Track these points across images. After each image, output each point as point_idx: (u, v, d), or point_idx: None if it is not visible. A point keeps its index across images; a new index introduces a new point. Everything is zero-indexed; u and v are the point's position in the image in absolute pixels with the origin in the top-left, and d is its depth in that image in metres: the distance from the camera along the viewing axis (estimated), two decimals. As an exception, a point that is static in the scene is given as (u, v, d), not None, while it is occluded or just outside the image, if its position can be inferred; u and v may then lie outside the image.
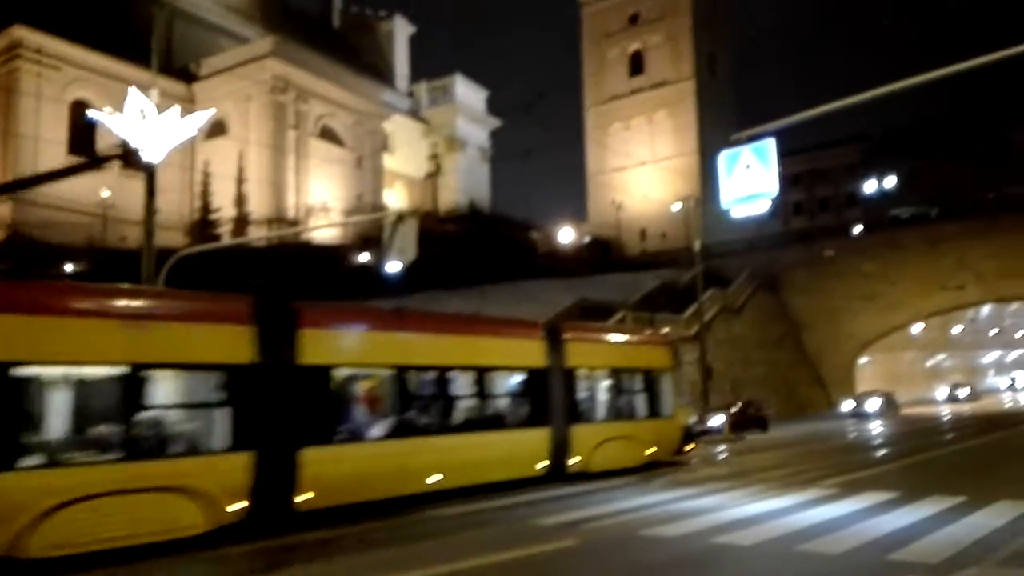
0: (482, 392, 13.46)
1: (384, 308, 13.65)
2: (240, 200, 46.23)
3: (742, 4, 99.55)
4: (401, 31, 69.23)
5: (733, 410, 29.74)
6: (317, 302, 13.10)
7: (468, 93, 68.19)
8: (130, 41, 43.17)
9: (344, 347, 11.46)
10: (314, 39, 56.95)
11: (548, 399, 14.42)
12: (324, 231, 45.86)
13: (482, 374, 13.41)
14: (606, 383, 16.06)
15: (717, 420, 28.55)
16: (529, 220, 54.56)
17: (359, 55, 64.99)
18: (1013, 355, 73.30)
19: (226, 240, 38.29)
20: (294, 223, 46.45)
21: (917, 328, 47.95)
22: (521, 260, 44.03)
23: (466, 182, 63.95)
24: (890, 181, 61.94)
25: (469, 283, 35.26)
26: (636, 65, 71.12)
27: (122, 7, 46.51)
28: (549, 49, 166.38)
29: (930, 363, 58.90)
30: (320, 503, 10.37)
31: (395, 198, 59.24)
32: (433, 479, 11.94)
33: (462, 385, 13.14)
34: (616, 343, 17.60)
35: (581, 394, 15.34)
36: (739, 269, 43.67)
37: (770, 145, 9.33)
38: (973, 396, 51.59)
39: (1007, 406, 43.79)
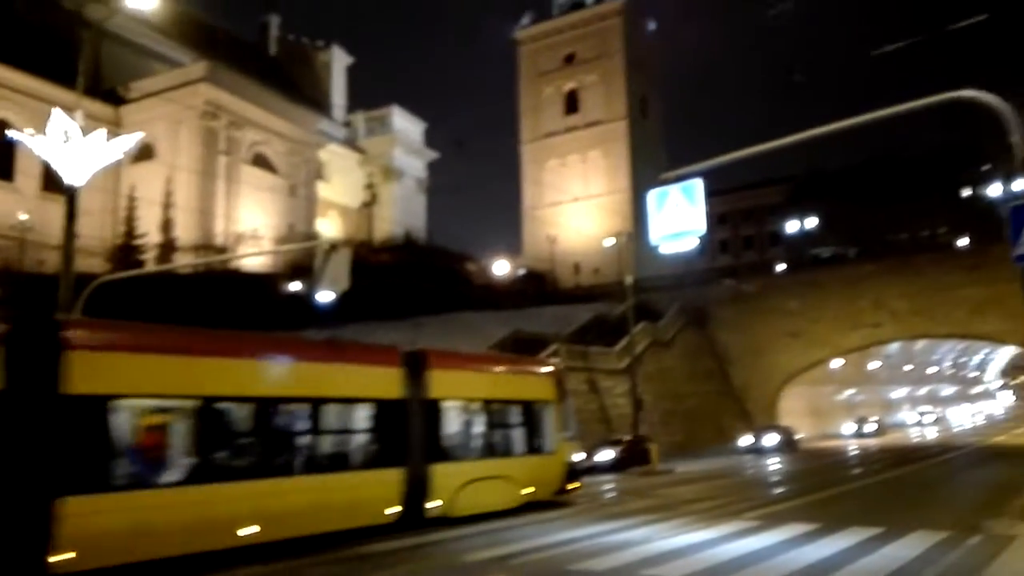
0: (318, 427, 11.83)
1: (198, 329, 11.98)
2: (166, 226, 44.90)
3: (674, 51, 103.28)
4: (339, 61, 69.15)
5: (622, 445, 28.24)
6: (105, 321, 10.74)
7: (406, 124, 68.36)
8: (56, 62, 41.76)
9: (127, 374, 9.62)
10: (249, 66, 56.28)
11: (404, 435, 12.98)
12: (254, 259, 44.91)
13: (318, 406, 11.83)
14: (477, 417, 14.74)
15: (605, 455, 27.41)
16: (465, 252, 54.64)
17: (295, 83, 64.52)
18: (923, 390, 76.59)
19: (150, 267, 37.06)
20: (222, 250, 45.33)
21: (837, 363, 49.64)
22: (457, 292, 44.01)
23: (402, 213, 63.75)
24: (811, 222, 64.66)
25: (403, 314, 34.98)
26: (571, 104, 72.69)
27: (49, 27, 45.07)
28: (489, 83, 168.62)
29: (847, 397, 60.93)
30: (83, 565, 8.60)
31: (329, 227, 58.56)
32: (247, 531, 10.28)
33: (292, 419, 11.55)
34: (490, 372, 16.24)
35: (445, 429, 13.89)
36: (669, 304, 44.75)
37: (697, 185, 9.66)
38: (880, 431, 50.71)
39: (914, 441, 45.18)
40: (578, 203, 68.94)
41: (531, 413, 15.71)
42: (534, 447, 15.65)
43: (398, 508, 12.62)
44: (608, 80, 70.73)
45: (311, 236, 48.54)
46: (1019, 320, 33.37)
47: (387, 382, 13.10)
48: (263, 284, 39.50)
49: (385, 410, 12.85)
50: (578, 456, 18.37)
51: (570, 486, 16.43)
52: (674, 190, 9.94)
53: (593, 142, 70.79)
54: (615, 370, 35.72)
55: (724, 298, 47.20)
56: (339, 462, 12.18)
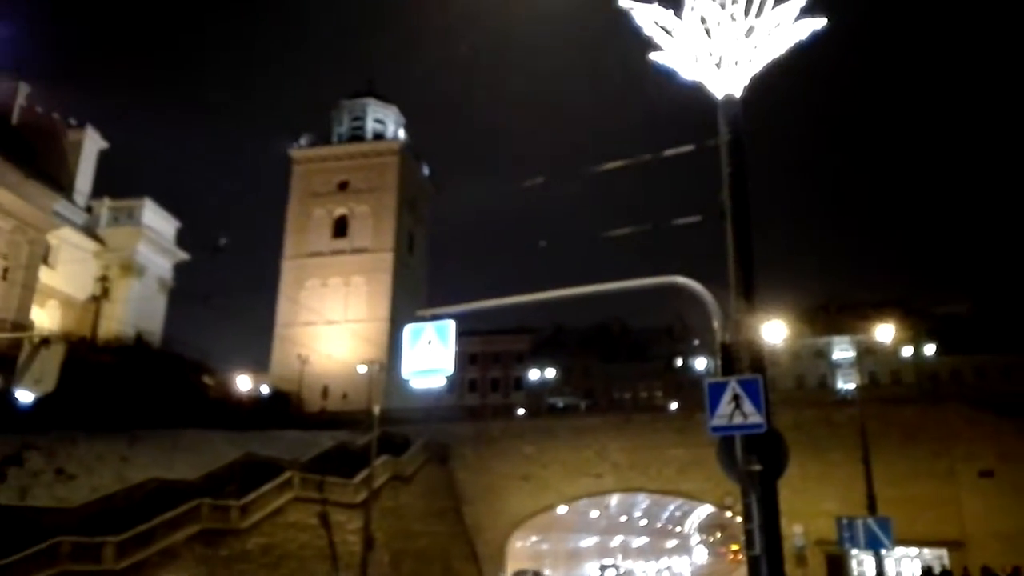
0: None
1: None
2: None
3: (447, 199, 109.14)
4: (91, 143, 64.03)
5: None
6: None
7: (158, 220, 64.10)
8: None
9: None
10: (-18, 129, 50.27)
11: None
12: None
13: None
14: None
15: None
16: (205, 363, 50.87)
17: (36, 158, 58.45)
18: (638, 542, 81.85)
19: None
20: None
21: (563, 510, 51.99)
22: (187, 405, 40.46)
23: (138, 312, 58.40)
24: (551, 372, 69.33)
25: (119, 425, 31.45)
26: (340, 228, 73.19)
27: None
28: (258, 195, 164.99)
29: (570, 544, 63.45)
30: None
31: (46, 317, 51.97)
32: None
33: None
34: None
35: None
36: (415, 437, 44.71)
37: (450, 326, 10.17)
38: None
39: None
40: (334, 326, 68.02)
41: None
42: None
43: None
44: (379, 212, 72.59)
45: (21, 326, 42.76)
46: (716, 481, 37.77)
47: None
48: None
49: None
50: None
51: None
52: (429, 327, 10.37)
53: (358, 268, 71.25)
54: (351, 504, 34.45)
55: (467, 437, 48.20)
56: None
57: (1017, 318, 70.98)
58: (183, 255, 66.40)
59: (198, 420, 38.02)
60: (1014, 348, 68.12)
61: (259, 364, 63.98)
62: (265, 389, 56.64)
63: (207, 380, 49.22)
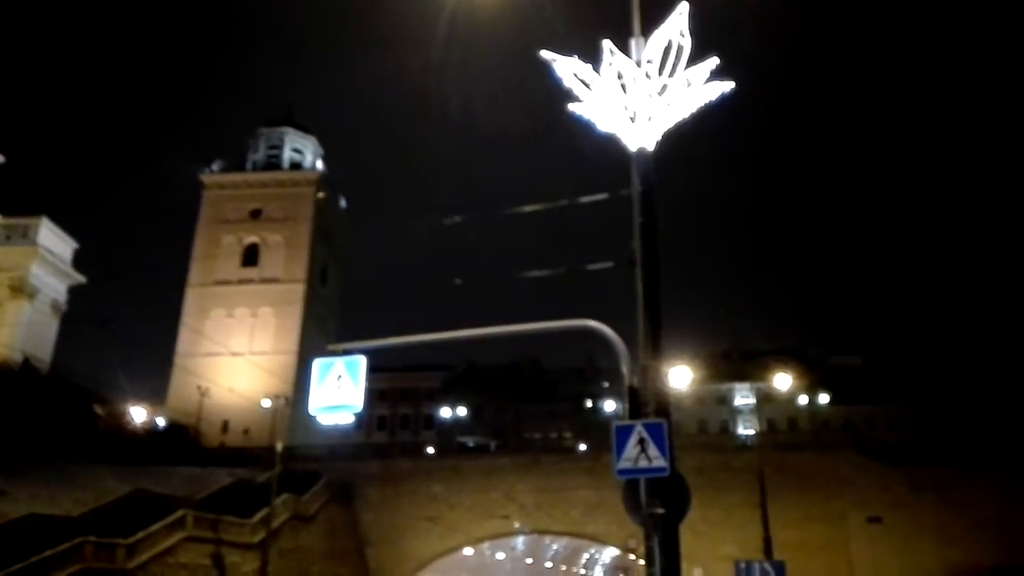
0: None
1: None
2: None
3: (365, 233, 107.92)
4: (-14, 156, 60.61)
5: None
6: None
7: (55, 240, 60.76)
8: None
9: None
10: None
11: None
12: None
13: None
14: None
15: None
16: (97, 392, 48.14)
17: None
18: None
19: None
20: None
21: (468, 552, 51.35)
22: (75, 437, 38.16)
23: (27, 336, 54.93)
24: (462, 411, 68.93)
25: (-6, 457, 29.32)
26: (251, 256, 71.19)
27: None
28: (165, 221, 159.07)
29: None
30: None
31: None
32: None
33: None
34: None
35: None
36: (319, 475, 43.41)
37: (361, 362, 10.06)
38: None
39: None
40: (239, 358, 65.73)
41: None
42: None
43: None
44: (292, 242, 71.09)
45: None
46: (621, 524, 38.14)
47: None
48: None
49: None
50: None
51: None
52: (339, 363, 10.21)
53: (267, 299, 69.28)
54: (248, 544, 33.05)
55: (373, 475, 47.17)
56: None
57: (904, 372, 75.54)
58: (80, 278, 63.10)
59: (86, 453, 35.91)
60: (901, 400, 72.32)
61: (156, 395, 61.07)
62: (161, 422, 54.12)
63: (98, 410, 46.63)
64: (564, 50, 8.24)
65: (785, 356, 64.97)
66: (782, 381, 37.81)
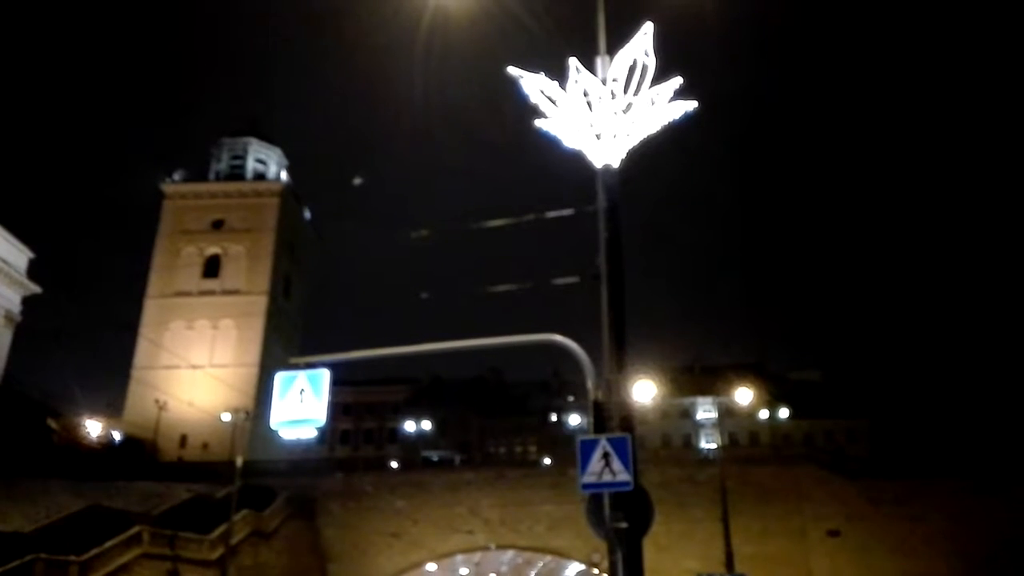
0: None
1: None
2: None
3: (330, 248, 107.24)
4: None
5: None
6: None
7: (8, 248, 59.21)
8: None
9: None
10: None
11: None
12: None
13: None
14: None
15: None
16: (51, 405, 46.94)
17: None
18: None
19: None
20: None
21: (432, 567, 50.86)
22: (27, 452, 37.14)
23: (-24, 349, 53.41)
24: (427, 424, 68.47)
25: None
26: (212, 268, 70.11)
27: None
28: (125, 230, 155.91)
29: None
30: None
31: None
32: None
33: None
34: None
35: None
36: (280, 491, 42.70)
37: (324, 375, 9.95)
38: None
39: None
40: (198, 371, 64.57)
41: None
42: None
43: None
44: (255, 254, 70.18)
45: None
46: (585, 538, 38.11)
47: None
48: None
49: None
50: None
51: None
52: (302, 376, 10.09)
53: (228, 311, 68.22)
54: (206, 561, 32.37)
55: (336, 491, 46.55)
56: None
57: (863, 387, 77.00)
58: (35, 288, 61.55)
59: (39, 467, 34.99)
60: (859, 414, 73.67)
61: (113, 409, 59.66)
62: (118, 436, 52.92)
63: (52, 424, 45.48)
64: (532, 67, 8.33)
65: (746, 371, 65.78)
66: (743, 395, 38.32)
